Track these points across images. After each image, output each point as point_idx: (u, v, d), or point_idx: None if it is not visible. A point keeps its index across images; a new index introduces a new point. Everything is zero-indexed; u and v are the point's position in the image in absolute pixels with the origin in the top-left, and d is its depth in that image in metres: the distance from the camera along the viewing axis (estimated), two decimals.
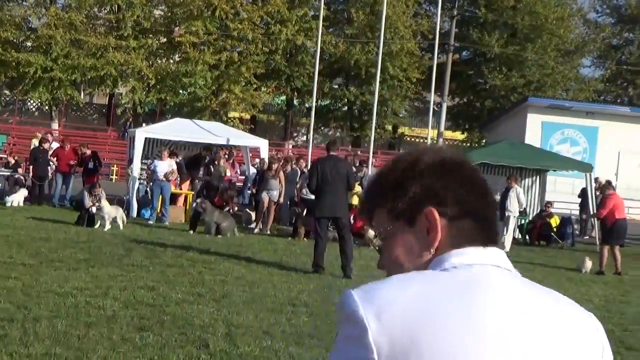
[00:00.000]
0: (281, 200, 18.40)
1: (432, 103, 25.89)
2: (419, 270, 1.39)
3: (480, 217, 1.45)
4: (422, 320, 1.26)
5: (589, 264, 14.96)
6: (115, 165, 33.35)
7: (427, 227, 1.41)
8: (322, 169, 11.77)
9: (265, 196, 18.06)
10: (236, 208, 19.65)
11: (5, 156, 21.67)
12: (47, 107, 42.08)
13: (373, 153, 23.64)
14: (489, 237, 1.44)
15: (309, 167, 18.29)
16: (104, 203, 15.53)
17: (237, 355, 6.58)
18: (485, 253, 1.41)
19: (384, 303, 1.28)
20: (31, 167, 20.61)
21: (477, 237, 1.42)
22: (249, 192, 21.63)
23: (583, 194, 23.25)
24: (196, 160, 20.69)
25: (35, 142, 25.96)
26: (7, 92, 42.72)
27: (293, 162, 20.88)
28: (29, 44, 38.90)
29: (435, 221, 1.41)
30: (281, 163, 20.85)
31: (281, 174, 18.32)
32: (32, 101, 44.46)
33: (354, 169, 19.90)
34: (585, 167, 21.34)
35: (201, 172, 20.35)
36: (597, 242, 20.02)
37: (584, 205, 23.59)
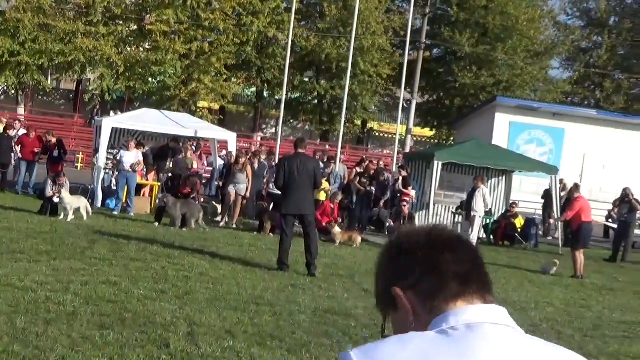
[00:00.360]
0: (248, 194, 18.33)
1: (402, 99, 25.97)
2: (417, 332, 1.46)
3: (443, 271, 1.50)
4: None
5: (555, 266, 15.13)
6: (81, 153, 32.97)
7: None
8: (289, 166, 11.76)
9: (232, 190, 18.00)
10: (202, 199, 19.55)
11: None
12: (13, 92, 41.47)
13: (342, 147, 23.64)
14: (468, 285, 1.51)
15: (277, 161, 18.27)
16: (65, 194, 15.31)
17: (199, 355, 6.53)
18: (484, 311, 1.48)
19: None
20: None
21: (452, 289, 1.50)
22: (216, 184, 21.55)
23: (546, 195, 23.50)
24: (163, 151, 20.54)
25: None
26: None
27: (262, 156, 20.81)
28: None
29: (399, 296, 1.52)
30: (249, 157, 20.80)
31: (248, 168, 18.25)
32: None
33: (323, 166, 19.95)
34: (551, 170, 21.55)
35: (169, 164, 20.21)
36: (560, 244, 20.30)
37: (546, 206, 23.86)
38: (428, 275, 1.51)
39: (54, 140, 20.41)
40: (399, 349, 1.38)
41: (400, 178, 19.97)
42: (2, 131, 21.71)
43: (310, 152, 23.64)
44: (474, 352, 1.37)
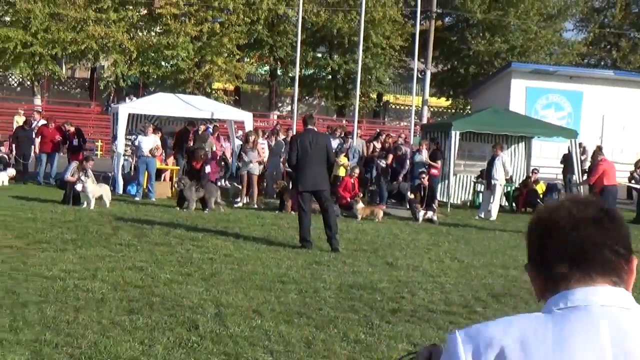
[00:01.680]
0: (257, 173, 18.27)
1: (415, 70, 25.77)
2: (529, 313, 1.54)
3: (558, 252, 1.57)
4: None
5: None
6: (100, 141, 33.11)
7: None
8: (301, 143, 11.77)
9: (243, 170, 18.02)
10: (223, 182, 19.61)
11: None
12: (28, 83, 41.64)
13: (358, 122, 23.55)
14: (587, 272, 1.54)
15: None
16: (88, 182, 15.40)
17: (227, 336, 6.59)
18: (597, 292, 1.51)
19: (483, 344, 1.45)
20: (14, 145, 20.53)
21: (572, 276, 1.55)
22: (236, 165, 21.59)
23: (566, 159, 23.34)
24: (181, 135, 20.53)
25: (17, 119, 25.82)
26: None
27: (280, 135, 20.79)
28: (7, 18, 38.32)
29: (530, 275, 1.63)
30: (266, 136, 20.80)
31: (259, 146, 18.21)
32: (13, 77, 43.96)
33: (341, 142, 19.94)
34: (570, 133, 21.37)
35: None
36: None
37: (566, 171, 23.70)
38: (545, 255, 1.58)
39: (72, 129, 20.55)
40: (501, 331, 1.45)
41: (425, 151, 19.89)
42: (20, 124, 21.95)
43: (325, 128, 23.64)
44: (571, 334, 1.40)
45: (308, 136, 11.90)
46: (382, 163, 19.61)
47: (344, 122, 35.33)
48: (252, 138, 18.11)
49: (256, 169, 17.99)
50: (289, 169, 18.39)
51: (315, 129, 12.57)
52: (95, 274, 8.69)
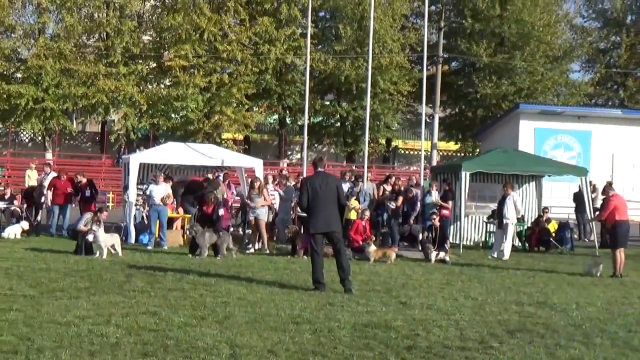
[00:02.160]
0: (266, 218, 18.29)
1: (424, 115, 25.95)
2: None
3: None
4: None
5: (600, 267, 15.03)
6: (111, 193, 33.29)
7: None
8: (312, 185, 11.85)
9: (251, 216, 18.07)
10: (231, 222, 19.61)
11: (2, 188, 21.64)
12: (40, 138, 42.05)
13: (368, 167, 23.64)
14: None
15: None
16: (100, 231, 15.47)
17: None
18: None
19: None
20: (25, 200, 20.77)
21: None
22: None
23: (577, 197, 23.29)
24: (192, 186, 20.55)
25: (29, 174, 26.06)
26: None
27: (290, 180, 20.86)
28: (19, 75, 38.88)
29: None
30: (276, 182, 20.84)
31: (265, 192, 18.25)
32: (24, 132, 44.43)
33: (351, 185, 19.97)
34: (580, 171, 21.40)
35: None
36: (597, 246, 20.09)
37: (578, 209, 23.62)
38: None
39: (84, 180, 20.69)
40: None
41: (435, 192, 19.87)
42: (32, 178, 22.27)
43: (337, 172, 23.72)
44: None
45: (318, 178, 11.98)
46: (392, 205, 19.63)
47: (354, 167, 35.41)
48: (257, 184, 18.14)
49: (263, 214, 17.98)
50: (300, 214, 18.45)
51: (326, 172, 12.63)
52: (109, 320, 8.69)
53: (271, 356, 7.25)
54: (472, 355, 7.60)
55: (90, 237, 15.50)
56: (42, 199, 20.86)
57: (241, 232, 20.24)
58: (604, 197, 16.66)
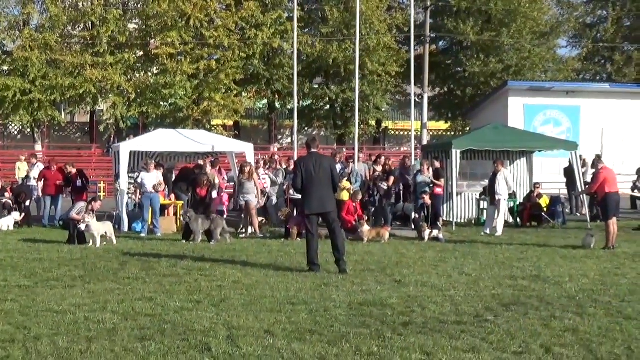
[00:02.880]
0: (258, 203, 18.27)
1: (413, 95, 25.92)
2: None
3: None
4: None
5: (594, 239, 15.15)
6: (102, 182, 33.21)
7: None
8: (305, 166, 11.85)
9: (241, 201, 18.06)
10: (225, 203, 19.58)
11: None
12: (29, 130, 41.89)
13: (358, 149, 23.63)
14: None
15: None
16: (92, 220, 15.45)
17: (241, 356, 6.61)
18: None
19: None
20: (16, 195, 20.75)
21: None
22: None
23: (567, 172, 23.41)
24: (183, 173, 20.53)
25: (19, 166, 25.98)
26: None
27: (281, 164, 20.86)
28: (5, 67, 38.66)
29: None
30: (267, 166, 20.85)
31: (255, 176, 18.23)
32: (13, 125, 44.24)
33: (342, 166, 19.99)
34: (570, 146, 21.48)
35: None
36: (588, 220, 20.21)
37: (569, 183, 23.74)
38: None
39: (74, 170, 20.65)
40: None
41: (431, 169, 19.85)
42: (22, 170, 22.19)
43: (329, 154, 23.70)
44: None
45: (312, 159, 11.97)
46: (384, 185, 19.65)
47: (344, 150, 35.43)
48: (247, 169, 18.12)
49: (252, 199, 17.94)
50: (293, 196, 18.47)
51: (319, 152, 12.62)
52: (105, 307, 8.71)
53: (268, 336, 7.28)
54: (468, 329, 7.65)
55: (82, 227, 15.48)
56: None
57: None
58: (594, 170, 16.75)
